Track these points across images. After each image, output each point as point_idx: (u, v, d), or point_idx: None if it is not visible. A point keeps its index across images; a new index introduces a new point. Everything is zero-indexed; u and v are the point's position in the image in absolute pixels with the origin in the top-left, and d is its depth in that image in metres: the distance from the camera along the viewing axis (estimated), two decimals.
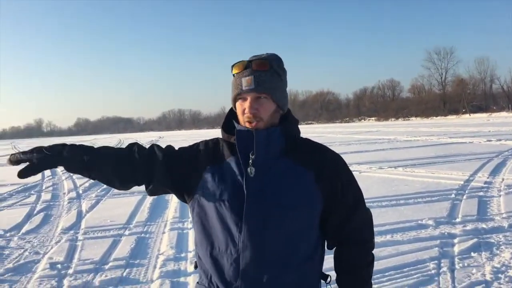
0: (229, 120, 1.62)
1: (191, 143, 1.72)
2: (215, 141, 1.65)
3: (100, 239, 5.96)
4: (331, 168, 1.57)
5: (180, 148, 1.69)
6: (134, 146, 1.65)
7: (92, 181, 11.91)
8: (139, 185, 1.64)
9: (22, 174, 1.48)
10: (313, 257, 1.55)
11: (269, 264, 1.47)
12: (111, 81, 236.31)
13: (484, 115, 62.59)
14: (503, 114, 60.14)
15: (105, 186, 9.09)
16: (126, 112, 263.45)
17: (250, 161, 1.49)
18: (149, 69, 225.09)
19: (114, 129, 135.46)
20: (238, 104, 1.54)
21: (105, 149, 1.62)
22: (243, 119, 1.52)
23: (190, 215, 1.65)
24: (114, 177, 1.59)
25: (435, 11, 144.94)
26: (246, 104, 1.50)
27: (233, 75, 1.56)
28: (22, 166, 1.50)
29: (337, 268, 1.64)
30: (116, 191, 10.10)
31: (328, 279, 1.61)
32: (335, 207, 1.56)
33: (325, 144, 1.66)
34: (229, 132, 1.57)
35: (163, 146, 1.69)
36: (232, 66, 1.56)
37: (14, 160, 1.49)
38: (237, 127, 1.55)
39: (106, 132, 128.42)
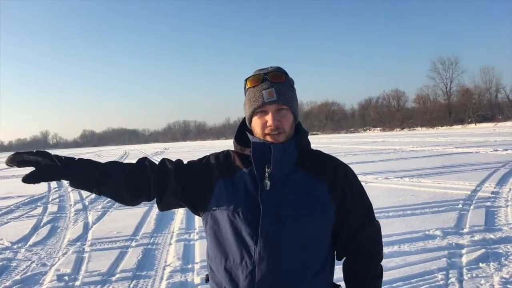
0: (241, 132, 1.62)
1: (199, 156, 1.72)
2: (226, 153, 1.65)
3: (107, 251, 5.97)
4: (342, 180, 1.58)
5: (190, 162, 1.68)
6: (145, 160, 1.63)
7: None
8: (150, 199, 1.60)
9: (28, 179, 1.37)
10: (325, 267, 1.57)
11: (285, 276, 1.47)
12: (116, 93, 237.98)
13: (490, 124, 62.35)
14: (509, 123, 59.82)
15: None
16: (131, 123, 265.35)
17: (266, 174, 1.49)
18: (154, 81, 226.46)
19: (119, 141, 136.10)
20: (256, 117, 1.53)
21: (114, 164, 1.58)
22: (263, 132, 1.51)
23: (203, 227, 1.64)
24: (125, 192, 1.54)
25: (440, 21, 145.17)
26: (268, 116, 1.50)
27: (247, 89, 1.56)
28: (24, 170, 1.40)
29: (346, 279, 1.65)
30: None
31: None
32: (346, 218, 1.58)
33: (332, 155, 1.68)
34: (243, 144, 1.57)
35: (172, 159, 1.69)
36: (246, 80, 1.56)
37: (20, 160, 1.37)
38: (252, 139, 1.54)
39: (111, 143, 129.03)
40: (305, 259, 1.50)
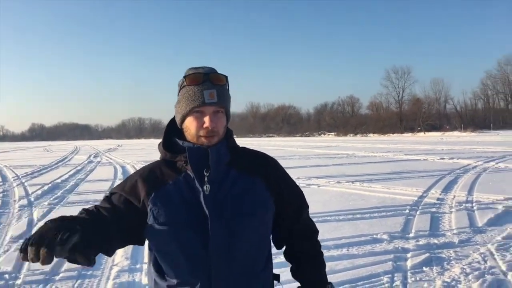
0: (168, 138, 1.58)
1: (149, 160, 1.66)
2: (150, 168, 1.58)
3: None
4: (274, 173, 1.63)
5: (114, 194, 1.55)
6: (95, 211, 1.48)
7: (45, 188, 11.54)
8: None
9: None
10: (269, 260, 1.60)
11: (239, 278, 1.47)
12: (68, 87, 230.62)
13: (438, 133, 64.92)
14: (456, 133, 62.56)
15: (59, 193, 8.83)
16: (83, 118, 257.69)
17: (205, 178, 1.47)
18: (109, 77, 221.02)
19: (70, 136, 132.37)
20: (192, 118, 1.49)
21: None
22: (197, 133, 1.48)
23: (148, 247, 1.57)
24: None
25: (395, 31, 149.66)
26: (206, 118, 1.46)
27: (183, 86, 1.51)
28: None
29: (296, 261, 1.68)
30: (70, 199, 9.82)
31: (280, 278, 1.67)
32: (284, 208, 1.62)
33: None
34: (172, 151, 1.53)
35: (107, 192, 1.57)
36: (186, 76, 1.50)
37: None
38: (185, 145, 1.50)
39: (62, 138, 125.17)
40: (254, 256, 1.52)
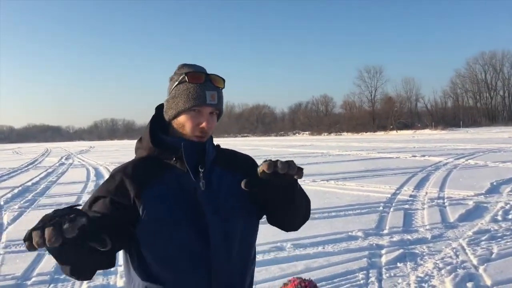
0: (153, 133, 1.53)
1: (124, 159, 1.62)
2: (132, 165, 1.50)
3: (23, 253, 5.61)
4: (252, 168, 1.61)
5: (98, 199, 1.42)
6: None
7: (15, 191, 11.27)
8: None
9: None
10: (254, 254, 1.64)
11: (237, 271, 1.50)
12: (38, 88, 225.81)
13: (410, 132, 66.05)
14: (427, 131, 63.74)
15: (29, 197, 8.61)
16: (54, 120, 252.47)
17: (201, 174, 1.47)
18: (80, 76, 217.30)
19: (41, 138, 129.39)
20: (188, 115, 1.46)
21: None
22: (193, 131, 1.47)
23: (126, 252, 1.51)
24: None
25: (368, 30, 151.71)
26: (203, 118, 1.46)
27: (182, 82, 1.47)
28: None
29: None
30: (41, 202, 9.61)
31: None
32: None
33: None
34: (159, 147, 1.49)
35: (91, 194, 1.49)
36: (187, 73, 1.47)
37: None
38: (180, 140, 1.47)
39: (32, 140, 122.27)
40: (247, 248, 1.56)
